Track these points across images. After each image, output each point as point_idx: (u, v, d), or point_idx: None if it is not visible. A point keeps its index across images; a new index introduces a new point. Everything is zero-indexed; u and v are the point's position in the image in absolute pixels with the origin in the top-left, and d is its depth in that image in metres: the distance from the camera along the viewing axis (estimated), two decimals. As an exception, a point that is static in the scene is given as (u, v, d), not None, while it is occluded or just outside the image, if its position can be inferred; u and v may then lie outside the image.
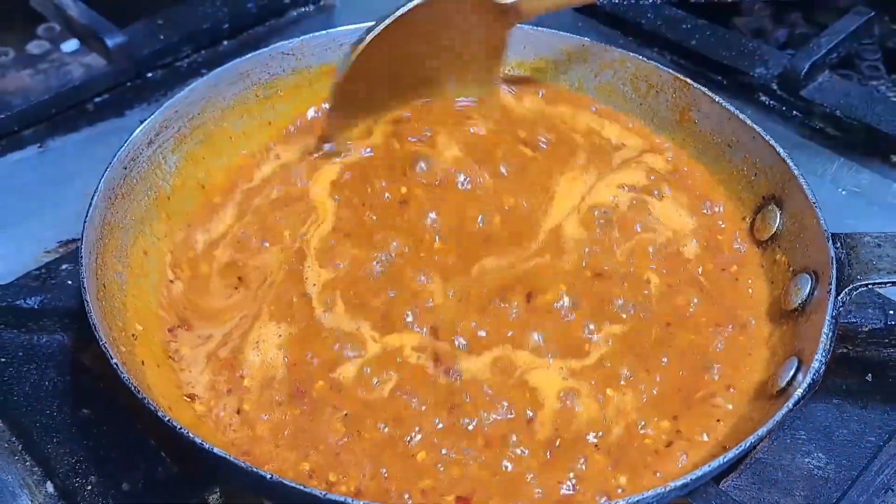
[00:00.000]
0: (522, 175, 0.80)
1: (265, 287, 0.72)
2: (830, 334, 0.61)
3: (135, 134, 0.73)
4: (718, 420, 0.63)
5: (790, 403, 0.57)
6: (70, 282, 0.75)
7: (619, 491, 0.59)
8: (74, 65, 1.01)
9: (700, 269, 0.73)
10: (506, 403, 0.63)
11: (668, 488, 0.54)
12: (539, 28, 0.88)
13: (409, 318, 0.69)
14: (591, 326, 0.69)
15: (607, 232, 0.75)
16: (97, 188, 0.69)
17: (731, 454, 0.55)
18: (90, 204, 0.67)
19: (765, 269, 0.73)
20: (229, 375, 0.66)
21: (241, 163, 0.81)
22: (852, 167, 0.94)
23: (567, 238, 0.75)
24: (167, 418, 0.55)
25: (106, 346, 0.59)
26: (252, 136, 0.83)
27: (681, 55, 1.07)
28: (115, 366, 0.57)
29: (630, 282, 0.71)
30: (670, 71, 0.82)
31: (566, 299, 0.70)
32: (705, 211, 0.78)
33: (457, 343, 0.67)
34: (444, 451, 0.61)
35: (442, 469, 0.60)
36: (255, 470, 0.53)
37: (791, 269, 0.70)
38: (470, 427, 0.62)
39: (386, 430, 0.62)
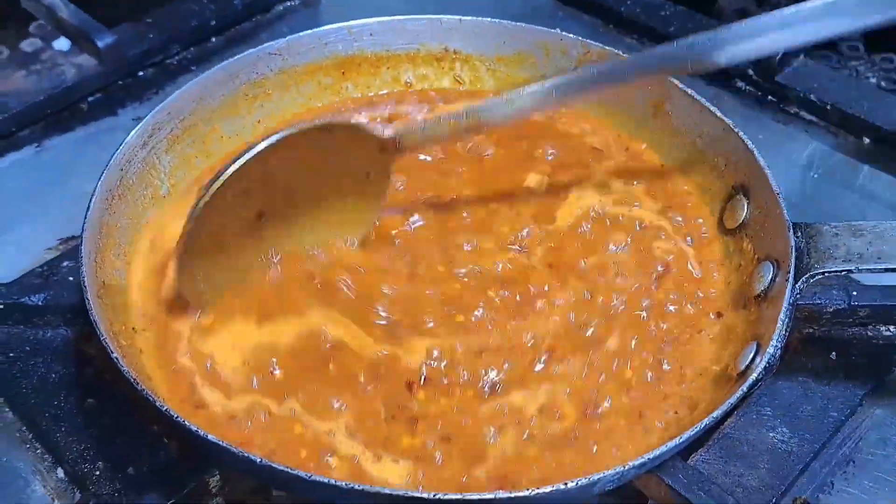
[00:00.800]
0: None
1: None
2: (787, 320, 0.65)
3: (129, 136, 0.76)
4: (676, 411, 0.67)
5: (744, 387, 0.61)
6: (71, 278, 0.78)
7: None
8: (67, 65, 1.04)
9: (670, 258, 0.77)
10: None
11: (626, 467, 0.57)
12: (503, 22, 0.90)
13: None
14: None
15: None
16: (94, 190, 0.72)
17: (686, 435, 0.59)
18: (88, 206, 0.70)
19: (731, 257, 0.76)
20: None
21: None
22: (825, 151, 0.97)
23: None
24: (165, 408, 0.59)
25: (106, 341, 0.62)
26: (242, 136, 0.86)
27: (660, 42, 1.10)
28: (115, 360, 0.61)
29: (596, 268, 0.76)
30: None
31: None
32: (677, 216, 0.81)
33: None
34: None
35: None
36: (246, 455, 0.56)
37: (756, 256, 0.73)
38: None
39: None
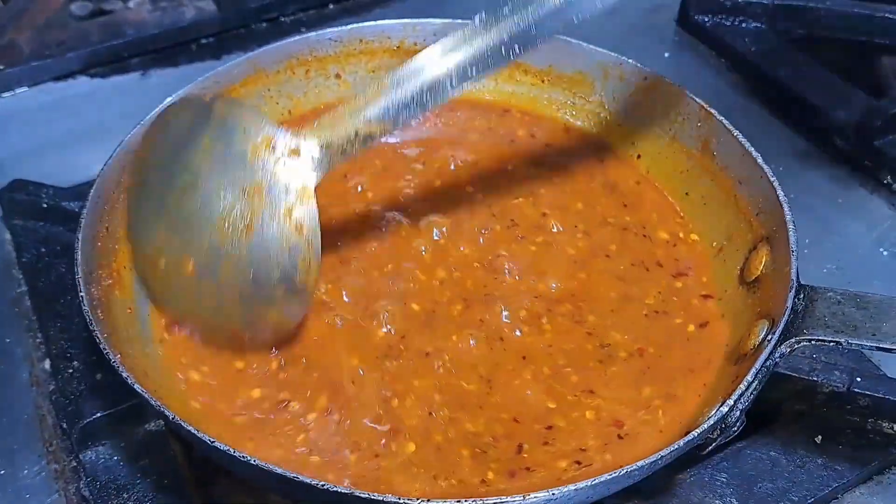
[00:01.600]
0: None
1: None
2: (755, 382, 0.60)
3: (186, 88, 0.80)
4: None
5: (681, 443, 0.57)
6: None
7: None
8: (189, 6, 1.12)
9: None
10: None
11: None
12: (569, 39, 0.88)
13: None
14: None
15: None
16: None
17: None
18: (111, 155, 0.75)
19: (740, 309, 0.72)
20: None
21: None
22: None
23: None
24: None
25: (79, 280, 0.65)
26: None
27: (763, 83, 1.05)
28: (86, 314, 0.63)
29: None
30: (696, 99, 0.81)
31: None
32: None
33: None
34: None
35: None
36: (227, 449, 0.56)
37: (758, 312, 0.69)
38: None
39: None
